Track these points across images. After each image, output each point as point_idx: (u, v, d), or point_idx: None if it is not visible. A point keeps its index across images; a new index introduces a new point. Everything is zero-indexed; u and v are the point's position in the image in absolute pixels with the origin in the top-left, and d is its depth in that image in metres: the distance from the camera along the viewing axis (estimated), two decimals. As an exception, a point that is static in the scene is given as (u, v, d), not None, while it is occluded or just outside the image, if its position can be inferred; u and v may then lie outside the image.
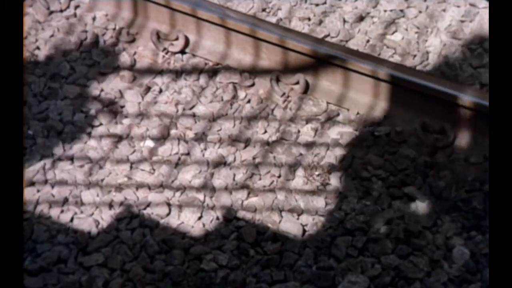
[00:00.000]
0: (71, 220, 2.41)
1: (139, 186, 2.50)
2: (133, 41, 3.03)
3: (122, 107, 2.77)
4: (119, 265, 2.28)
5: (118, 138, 2.66)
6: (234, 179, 2.52)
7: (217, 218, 2.41)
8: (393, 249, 2.31)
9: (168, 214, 2.43)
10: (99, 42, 3.02)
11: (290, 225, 2.37)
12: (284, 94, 2.77)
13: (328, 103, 2.74)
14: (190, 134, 2.67)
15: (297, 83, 2.78)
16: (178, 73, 2.90)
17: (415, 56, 2.91)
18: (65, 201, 2.45)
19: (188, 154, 2.60)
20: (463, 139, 2.58)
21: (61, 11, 3.14)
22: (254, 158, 2.58)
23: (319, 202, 2.44)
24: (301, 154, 2.58)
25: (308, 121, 2.69)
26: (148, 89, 2.83)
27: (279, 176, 2.52)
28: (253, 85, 2.83)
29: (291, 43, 2.75)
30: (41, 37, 3.03)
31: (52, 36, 3.04)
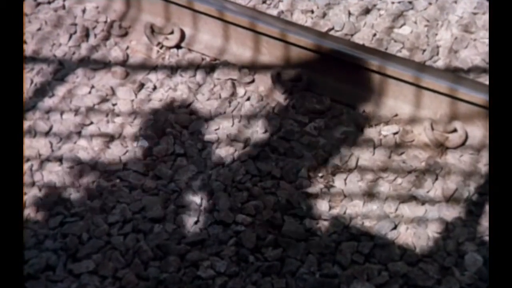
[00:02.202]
0: (60, 224, 2.41)
1: (132, 188, 2.51)
2: (125, 34, 3.03)
3: (114, 105, 2.78)
4: (110, 273, 2.28)
5: (110, 138, 2.66)
6: (233, 181, 2.52)
7: (215, 222, 2.41)
8: (401, 255, 2.31)
9: (163, 218, 2.42)
10: (90, 35, 3.02)
11: (292, 230, 2.37)
12: (285, 91, 2.77)
13: (332, 100, 2.74)
14: (186, 134, 2.67)
15: (300, 79, 2.78)
16: (173, 69, 2.90)
17: (424, 50, 2.92)
18: (54, 204, 2.45)
19: (184, 154, 2.60)
20: (475, 138, 2.58)
21: (49, 2, 3.14)
22: (254, 159, 2.58)
23: (323, 206, 2.44)
24: (303, 155, 2.58)
25: (311, 119, 2.69)
26: (141, 86, 2.84)
27: (280, 178, 2.52)
28: (253, 81, 2.84)
29: (293, 37, 2.76)
30: (28, 30, 3.03)
31: (39, 29, 3.04)
